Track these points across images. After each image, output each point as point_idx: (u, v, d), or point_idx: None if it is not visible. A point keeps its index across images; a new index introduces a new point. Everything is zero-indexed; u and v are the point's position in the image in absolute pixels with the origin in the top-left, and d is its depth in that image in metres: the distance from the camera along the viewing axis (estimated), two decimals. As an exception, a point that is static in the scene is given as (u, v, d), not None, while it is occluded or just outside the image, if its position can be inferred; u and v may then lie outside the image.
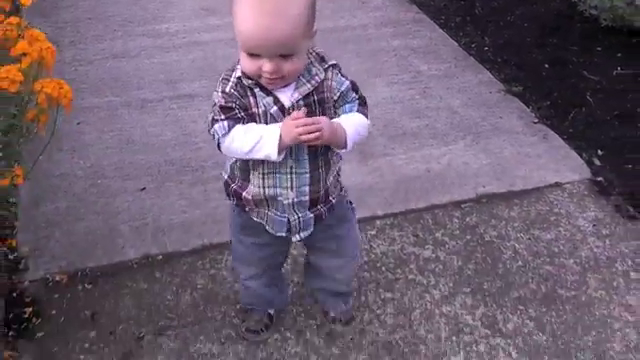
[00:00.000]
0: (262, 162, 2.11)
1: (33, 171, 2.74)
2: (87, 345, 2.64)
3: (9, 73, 2.28)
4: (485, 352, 2.61)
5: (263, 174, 2.14)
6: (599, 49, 4.52)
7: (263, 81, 1.99)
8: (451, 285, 2.88)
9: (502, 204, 3.28)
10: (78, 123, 3.68)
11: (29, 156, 2.74)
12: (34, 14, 4.37)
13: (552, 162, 3.54)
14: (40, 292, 2.82)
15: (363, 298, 2.81)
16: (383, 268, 2.94)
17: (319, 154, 2.13)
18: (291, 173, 2.14)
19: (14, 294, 2.80)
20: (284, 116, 2.03)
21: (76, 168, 3.45)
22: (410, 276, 2.91)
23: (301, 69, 2.02)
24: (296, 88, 2.04)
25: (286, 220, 2.21)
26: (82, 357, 2.59)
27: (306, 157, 2.13)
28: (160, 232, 3.09)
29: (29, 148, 2.66)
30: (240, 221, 2.31)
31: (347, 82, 2.11)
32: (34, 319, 2.72)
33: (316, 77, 2.06)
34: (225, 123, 2.03)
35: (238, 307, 2.72)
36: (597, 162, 3.53)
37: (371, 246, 3.04)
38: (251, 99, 2.05)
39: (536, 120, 3.83)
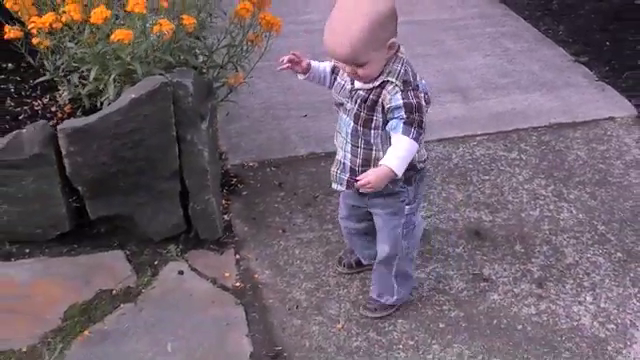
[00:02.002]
0: (338, 120, 2.64)
1: (223, 102, 3.79)
2: (278, 199, 3.71)
3: (246, 4, 3.39)
4: (554, 209, 3.63)
5: (336, 129, 2.67)
6: (652, 31, 5.51)
7: (347, 75, 2.49)
8: (530, 173, 3.89)
9: (568, 129, 4.30)
10: (251, 77, 4.80)
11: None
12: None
13: (608, 105, 4.53)
14: (239, 171, 3.91)
15: (468, 178, 3.86)
16: (482, 163, 3.98)
17: (360, 135, 2.53)
18: (343, 137, 2.61)
19: (222, 171, 3.91)
20: (349, 95, 2.52)
21: (253, 103, 4.55)
22: (501, 167, 3.95)
23: (375, 72, 2.40)
24: (365, 82, 2.45)
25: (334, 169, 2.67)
26: (276, 205, 3.67)
27: (349, 132, 2.56)
28: (321, 140, 4.17)
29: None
30: None
31: (400, 102, 2.37)
32: (238, 185, 3.81)
33: (374, 83, 2.43)
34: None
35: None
36: (643, 106, 4.53)
37: (473, 150, 4.08)
38: (341, 69, 2.54)
39: (597, 79, 4.82)
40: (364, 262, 3.15)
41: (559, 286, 3.14)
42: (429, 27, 5.52)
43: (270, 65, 4.76)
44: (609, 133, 4.19)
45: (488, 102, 4.54)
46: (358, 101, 2.48)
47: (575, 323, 2.97)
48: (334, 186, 2.72)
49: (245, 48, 3.57)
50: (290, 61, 2.71)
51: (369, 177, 2.42)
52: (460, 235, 3.41)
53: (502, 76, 4.84)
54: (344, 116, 2.58)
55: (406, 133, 2.38)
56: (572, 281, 3.16)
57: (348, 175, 2.63)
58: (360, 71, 2.37)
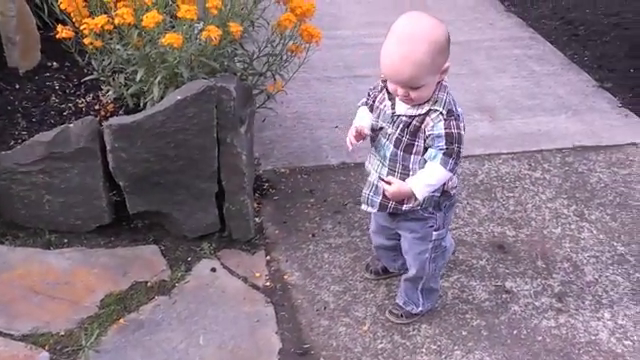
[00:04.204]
0: (372, 142, 2.66)
1: (260, 108, 3.86)
2: (309, 205, 3.78)
3: (289, 16, 3.46)
4: (575, 229, 3.68)
5: (370, 152, 2.70)
6: (676, 59, 5.56)
7: (398, 98, 2.46)
8: (553, 193, 3.95)
9: (591, 152, 4.35)
10: (283, 87, 4.90)
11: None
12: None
13: (630, 131, 4.58)
14: (271, 176, 3.99)
15: (493, 195, 3.93)
16: (506, 180, 4.04)
17: (398, 160, 2.56)
18: (379, 160, 2.63)
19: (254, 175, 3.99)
20: (391, 120, 2.53)
21: (286, 112, 4.62)
22: (525, 186, 4.00)
23: (427, 96, 2.42)
24: (409, 107, 2.47)
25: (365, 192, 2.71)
26: (306, 211, 3.74)
27: (387, 155, 2.58)
28: (352, 151, 4.27)
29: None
30: None
31: (442, 131, 2.41)
32: (270, 189, 3.88)
33: (419, 110, 2.45)
34: (362, 100, 2.73)
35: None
36: (665, 133, 4.58)
37: (498, 168, 4.14)
38: (380, 95, 2.59)
39: (620, 105, 4.87)
40: (391, 270, 3.19)
41: (578, 302, 3.19)
42: (460, 47, 5.58)
43: (302, 77, 4.89)
44: (631, 158, 4.24)
45: (514, 122, 4.61)
46: (400, 126, 2.51)
47: (593, 337, 3.03)
48: (364, 207, 2.76)
49: (285, 58, 3.60)
50: (357, 139, 2.69)
51: (392, 189, 2.53)
52: (484, 248, 3.47)
53: (528, 98, 4.90)
54: (383, 140, 2.60)
55: (444, 164, 2.44)
56: (591, 297, 3.22)
57: (381, 198, 2.65)
58: (413, 94, 2.40)
